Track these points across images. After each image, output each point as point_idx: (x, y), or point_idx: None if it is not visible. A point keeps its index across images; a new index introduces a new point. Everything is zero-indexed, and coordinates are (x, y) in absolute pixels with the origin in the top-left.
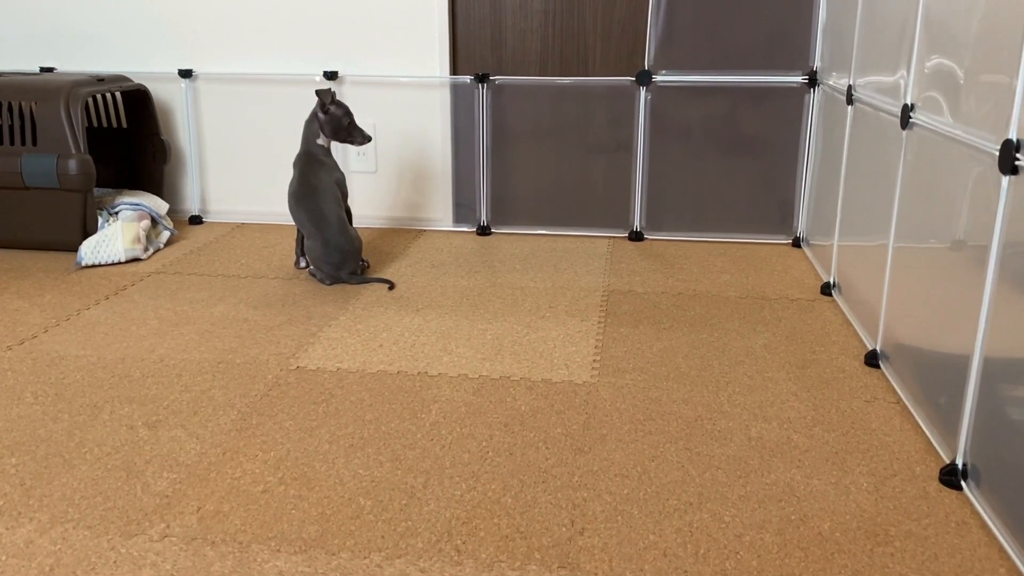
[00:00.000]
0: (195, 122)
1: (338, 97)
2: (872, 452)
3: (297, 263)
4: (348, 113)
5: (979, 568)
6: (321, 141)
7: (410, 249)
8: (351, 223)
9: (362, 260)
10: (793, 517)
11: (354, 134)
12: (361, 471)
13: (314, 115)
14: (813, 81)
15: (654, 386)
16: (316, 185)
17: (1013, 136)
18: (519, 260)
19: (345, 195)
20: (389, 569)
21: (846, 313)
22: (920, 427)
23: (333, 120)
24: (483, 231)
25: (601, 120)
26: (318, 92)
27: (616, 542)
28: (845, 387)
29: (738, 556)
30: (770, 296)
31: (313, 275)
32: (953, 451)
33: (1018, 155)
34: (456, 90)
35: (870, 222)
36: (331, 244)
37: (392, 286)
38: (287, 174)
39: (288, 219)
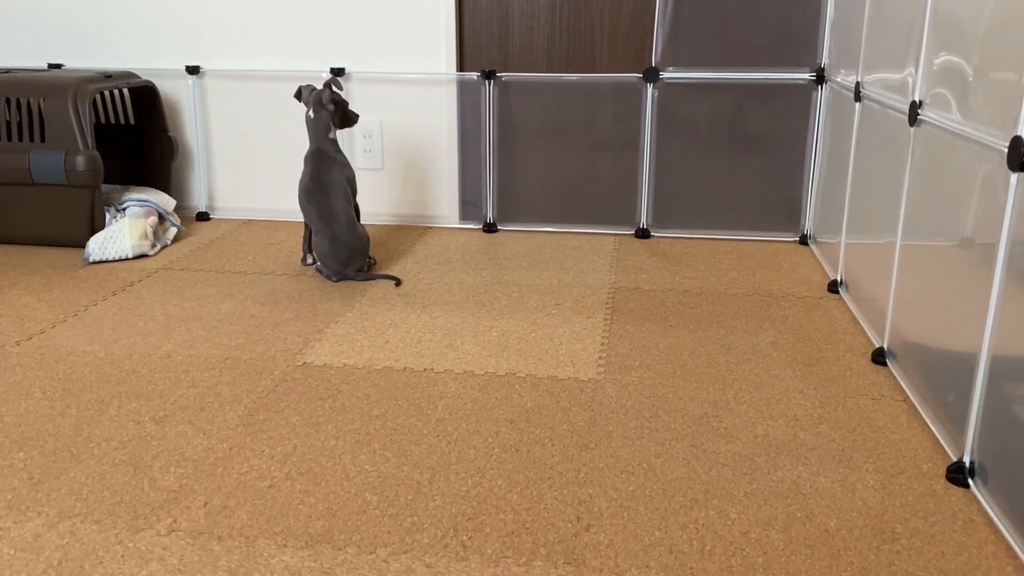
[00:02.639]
0: (202, 118)
1: (334, 90)
2: (879, 450)
3: (304, 259)
4: (343, 100)
5: (986, 566)
6: (332, 135)
7: (416, 246)
8: (359, 219)
9: (369, 257)
10: (799, 514)
11: (353, 117)
12: (367, 467)
13: (321, 107)
14: (821, 78)
15: (660, 383)
16: (327, 182)
17: (1022, 133)
18: (525, 257)
19: (354, 191)
20: (395, 564)
21: (853, 311)
22: (927, 425)
23: (340, 108)
24: (489, 228)
25: (608, 117)
26: (329, 82)
27: (622, 538)
28: (852, 385)
29: (744, 553)
30: (777, 294)
31: (320, 271)
32: (960, 449)
33: None
34: (463, 87)
35: (877, 220)
36: (339, 241)
37: (398, 282)
38: (294, 171)
39: (295, 216)
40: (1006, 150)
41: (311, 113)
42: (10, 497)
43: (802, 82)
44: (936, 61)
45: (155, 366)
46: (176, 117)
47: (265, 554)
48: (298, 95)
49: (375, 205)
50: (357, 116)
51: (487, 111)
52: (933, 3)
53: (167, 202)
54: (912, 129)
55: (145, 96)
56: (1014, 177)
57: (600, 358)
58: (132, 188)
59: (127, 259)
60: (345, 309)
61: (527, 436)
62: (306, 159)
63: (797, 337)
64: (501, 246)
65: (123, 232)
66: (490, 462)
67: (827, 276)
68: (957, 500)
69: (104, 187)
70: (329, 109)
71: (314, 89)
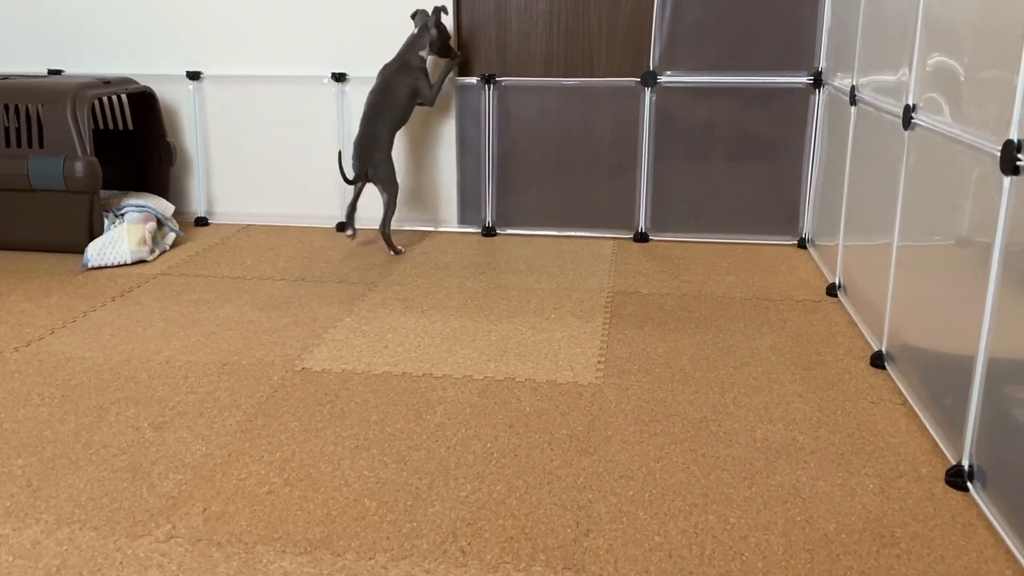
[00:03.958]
0: (201, 124)
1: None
2: (878, 453)
3: (348, 228)
4: (447, 30)
5: (985, 570)
6: (423, 53)
7: (415, 250)
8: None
9: (352, 229)
10: (799, 518)
11: (454, 54)
12: (366, 472)
13: (426, 29)
14: (818, 82)
15: (659, 387)
16: (388, 93)
17: (1014, 137)
18: (524, 261)
19: (419, 92)
20: (394, 570)
21: (851, 314)
22: (926, 428)
23: (443, 34)
24: (488, 232)
25: (606, 121)
26: (438, 8)
27: (621, 543)
28: (851, 388)
29: (743, 558)
30: (775, 297)
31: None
32: (959, 452)
33: (1019, 156)
34: (462, 91)
35: (874, 223)
36: (358, 137)
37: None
38: (293, 176)
39: (293, 221)
40: (999, 154)
41: (415, 30)
42: (9, 504)
43: (800, 86)
44: (929, 65)
45: (154, 372)
46: (175, 122)
47: (264, 560)
48: (413, 15)
49: (374, 209)
50: (459, 55)
51: (486, 115)
52: (925, 7)
53: (166, 207)
54: (906, 133)
55: (144, 102)
56: (1007, 180)
57: (599, 362)
58: (131, 194)
59: (126, 265)
60: (344, 314)
61: (526, 441)
62: (383, 69)
63: (796, 341)
64: (500, 250)
65: (122, 238)
66: (489, 467)
67: (825, 279)
68: (956, 504)
69: (103, 193)
70: (432, 33)
71: (428, 14)
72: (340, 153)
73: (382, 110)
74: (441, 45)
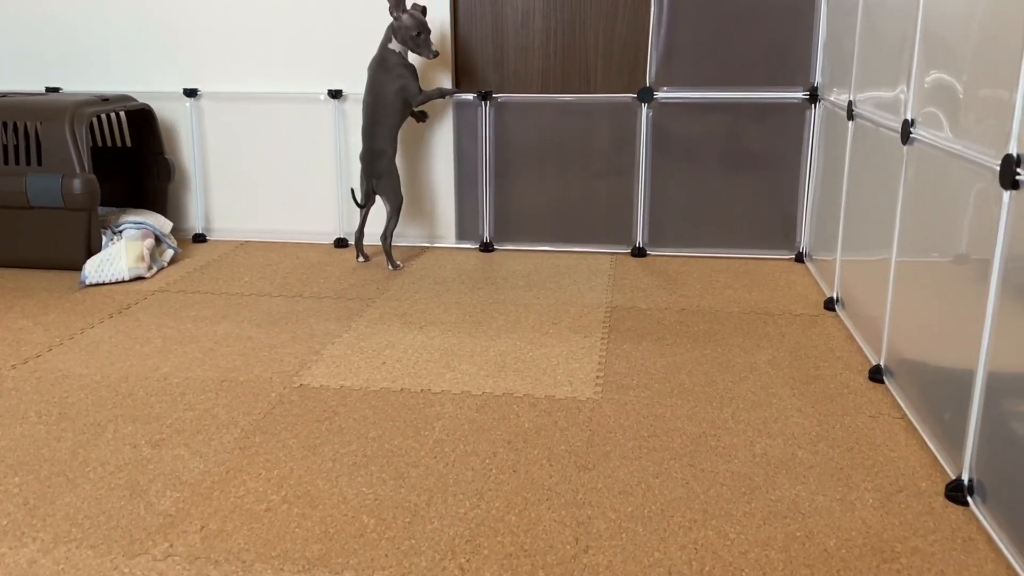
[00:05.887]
0: (199, 141)
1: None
2: (877, 468)
3: (360, 256)
4: (420, 25)
5: None
6: (392, 46)
7: (413, 266)
8: (419, 103)
9: (364, 256)
10: (798, 534)
11: (422, 48)
12: (364, 489)
13: (395, 19)
14: (814, 97)
15: (658, 402)
16: (378, 94)
17: (1013, 151)
18: (522, 276)
19: (412, 95)
20: None
21: (850, 328)
22: (925, 442)
23: (402, 28)
24: (486, 248)
25: (603, 137)
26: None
27: (621, 560)
28: (849, 403)
29: (743, 574)
30: (773, 312)
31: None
32: (959, 466)
33: (1019, 170)
34: (459, 107)
35: (872, 237)
36: (363, 151)
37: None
38: (291, 192)
39: (291, 237)
40: (998, 168)
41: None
42: (5, 523)
43: (796, 101)
44: (927, 80)
45: (151, 389)
46: (173, 139)
47: None
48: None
49: (372, 225)
50: (431, 52)
51: (483, 131)
52: (924, 22)
53: (164, 224)
54: (905, 147)
55: (142, 119)
56: (1006, 195)
57: (597, 377)
58: (129, 210)
59: (123, 281)
60: (342, 330)
61: (525, 457)
62: (369, 65)
63: (794, 355)
64: (498, 265)
65: (119, 255)
66: (488, 483)
67: (823, 293)
68: (956, 518)
69: (101, 210)
70: (403, 19)
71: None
72: (352, 190)
73: (376, 120)
74: (404, 36)
